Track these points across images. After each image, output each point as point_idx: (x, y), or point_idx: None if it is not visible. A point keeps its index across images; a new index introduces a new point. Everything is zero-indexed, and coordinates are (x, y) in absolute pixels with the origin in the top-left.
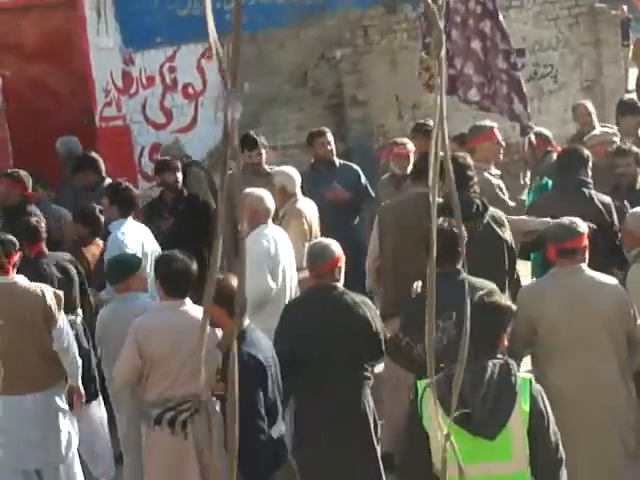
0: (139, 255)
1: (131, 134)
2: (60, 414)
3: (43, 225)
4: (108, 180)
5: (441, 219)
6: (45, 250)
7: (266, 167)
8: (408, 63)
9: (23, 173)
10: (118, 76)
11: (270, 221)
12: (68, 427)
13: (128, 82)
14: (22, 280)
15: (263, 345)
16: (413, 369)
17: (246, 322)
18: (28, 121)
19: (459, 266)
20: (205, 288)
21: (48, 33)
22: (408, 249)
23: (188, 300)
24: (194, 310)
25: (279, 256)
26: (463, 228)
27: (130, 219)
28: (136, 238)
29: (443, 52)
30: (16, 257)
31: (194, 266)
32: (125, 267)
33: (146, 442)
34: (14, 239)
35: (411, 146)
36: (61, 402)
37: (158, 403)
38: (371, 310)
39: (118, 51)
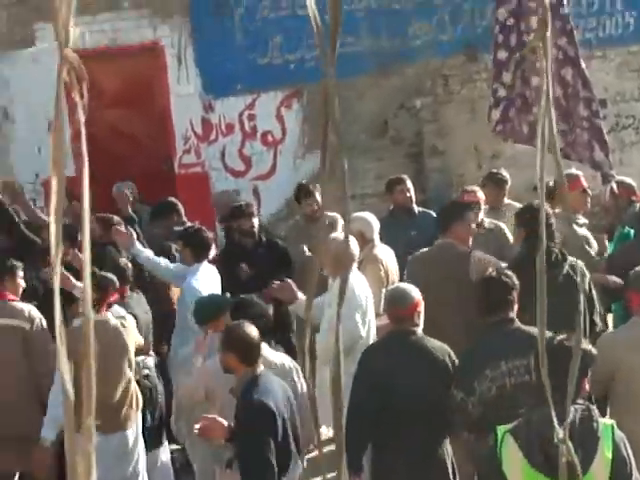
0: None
1: (209, 181)
2: (141, 455)
3: (130, 267)
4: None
5: (490, 269)
6: (129, 292)
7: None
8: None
9: (116, 219)
10: (198, 123)
11: (355, 267)
12: (144, 469)
13: (207, 129)
14: (114, 319)
15: (276, 391)
16: (470, 427)
17: (260, 368)
18: (107, 166)
19: (512, 315)
20: (304, 331)
21: (130, 79)
22: (443, 299)
23: (264, 345)
24: (271, 355)
25: (368, 303)
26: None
27: (205, 263)
28: (212, 284)
29: (548, 33)
30: (113, 297)
31: (270, 311)
32: (215, 308)
33: None
34: (114, 278)
35: (481, 194)
36: (142, 442)
37: (230, 445)
38: (450, 356)
39: (198, 98)
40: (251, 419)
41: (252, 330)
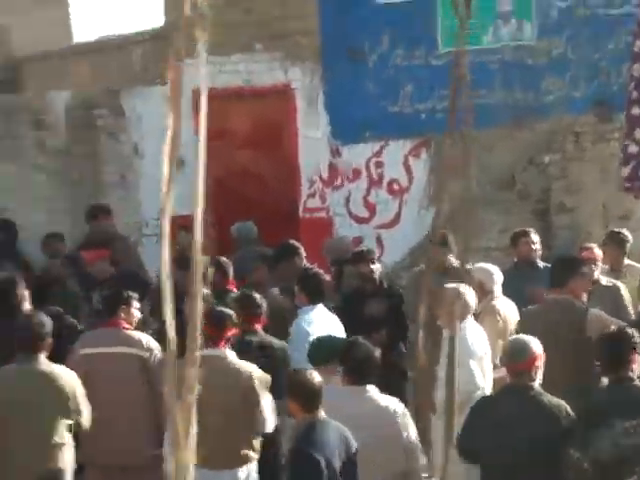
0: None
1: (333, 227)
2: None
3: (264, 305)
4: None
5: (612, 327)
6: (259, 329)
7: (454, 263)
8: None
9: (223, 260)
10: (324, 168)
11: (471, 317)
12: None
13: (334, 174)
14: (232, 356)
15: (330, 441)
16: None
17: (320, 414)
18: (234, 207)
19: (631, 374)
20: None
21: (260, 120)
22: (556, 355)
23: (371, 387)
24: (377, 397)
25: (485, 354)
26: None
27: (320, 306)
28: (323, 327)
29: None
30: (231, 332)
31: (377, 353)
32: (330, 349)
33: None
34: (232, 313)
35: (598, 251)
36: None
37: None
38: (567, 413)
39: (326, 142)
40: (296, 469)
41: (314, 377)
